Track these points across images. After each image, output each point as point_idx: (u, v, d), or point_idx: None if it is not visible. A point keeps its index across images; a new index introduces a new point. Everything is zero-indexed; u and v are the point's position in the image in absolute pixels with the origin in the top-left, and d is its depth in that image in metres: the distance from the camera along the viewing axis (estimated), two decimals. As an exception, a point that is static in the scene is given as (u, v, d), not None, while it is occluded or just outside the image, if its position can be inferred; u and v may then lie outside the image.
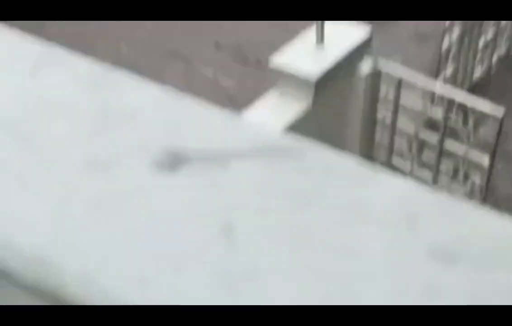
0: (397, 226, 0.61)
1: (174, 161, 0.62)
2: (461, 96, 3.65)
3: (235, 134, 0.67)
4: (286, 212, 0.60)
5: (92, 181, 0.62)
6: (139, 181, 0.61)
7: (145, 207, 0.59)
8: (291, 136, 0.69)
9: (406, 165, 3.74)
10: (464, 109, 3.63)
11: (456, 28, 4.33)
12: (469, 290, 0.56)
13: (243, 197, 0.60)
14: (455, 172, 3.68)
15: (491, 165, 3.56)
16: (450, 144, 3.63)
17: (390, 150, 3.76)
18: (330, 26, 3.37)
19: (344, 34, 3.49)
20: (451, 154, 3.67)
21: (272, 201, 0.60)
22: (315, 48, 3.35)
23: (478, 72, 4.80)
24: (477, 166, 3.61)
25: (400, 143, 3.75)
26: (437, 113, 3.62)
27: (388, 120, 3.70)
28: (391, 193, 0.64)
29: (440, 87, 3.75)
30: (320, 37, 3.35)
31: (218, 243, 0.56)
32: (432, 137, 3.67)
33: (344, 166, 0.66)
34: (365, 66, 3.54)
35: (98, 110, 0.69)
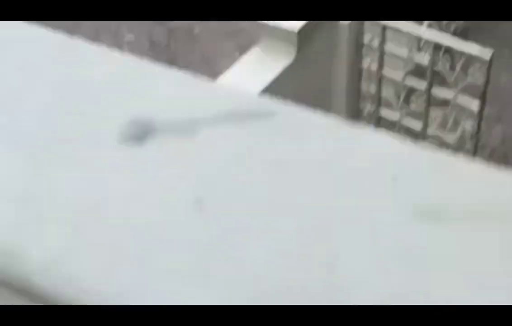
0: (379, 186, 0.58)
1: (140, 133, 0.59)
2: (447, 39, 3.60)
3: (206, 101, 0.63)
4: (261, 181, 0.57)
5: (56, 159, 0.59)
6: (104, 155, 0.58)
7: (111, 183, 0.56)
8: (265, 98, 0.65)
9: (394, 115, 3.71)
10: (451, 54, 3.60)
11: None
12: (456, 249, 0.54)
13: (215, 167, 0.57)
14: (445, 119, 3.65)
15: (481, 109, 3.53)
16: (439, 91, 3.59)
17: (378, 100, 3.72)
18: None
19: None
20: (440, 101, 3.64)
21: (245, 169, 0.58)
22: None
23: (462, 15, 4.75)
24: (467, 111, 3.58)
25: (387, 92, 3.71)
26: (424, 59, 3.58)
27: (374, 69, 3.65)
28: (373, 152, 0.62)
29: (425, 32, 3.69)
30: (301, -12, 3.29)
31: (189, 218, 0.53)
32: (420, 85, 3.63)
33: (323, 126, 0.63)
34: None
35: (59, 81, 0.66)
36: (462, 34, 4.25)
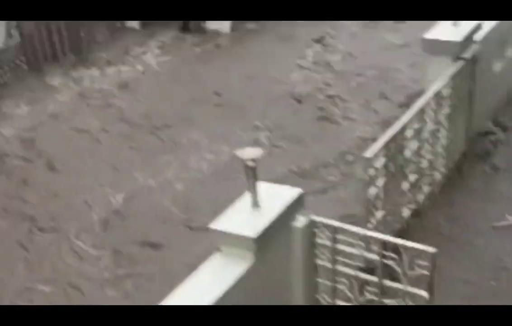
0: None
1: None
2: (392, 239, 3.92)
3: None
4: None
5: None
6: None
7: None
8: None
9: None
10: (397, 250, 3.87)
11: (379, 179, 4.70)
12: None
13: None
14: (398, 308, 3.88)
15: (431, 299, 3.78)
16: (390, 284, 3.86)
17: (333, 293, 3.99)
18: (263, 190, 3.72)
19: (278, 195, 3.83)
20: (392, 293, 3.89)
21: None
22: (252, 211, 3.70)
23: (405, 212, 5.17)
24: (418, 299, 3.83)
25: (342, 286, 3.98)
26: (373, 256, 3.88)
27: (329, 266, 3.95)
28: None
29: (372, 233, 4.03)
30: (255, 202, 3.71)
31: None
32: (371, 279, 3.91)
33: None
34: (301, 220, 3.84)
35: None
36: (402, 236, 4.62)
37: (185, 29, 9.73)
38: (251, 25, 9.64)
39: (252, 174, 3.67)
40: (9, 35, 8.79)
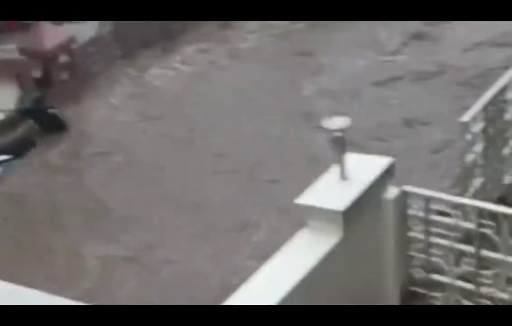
0: None
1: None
2: (490, 206, 3.76)
3: None
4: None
5: None
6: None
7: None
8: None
9: (445, 280, 3.83)
10: (496, 218, 3.72)
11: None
12: None
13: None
14: (496, 278, 3.73)
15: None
16: (487, 254, 3.72)
17: (428, 267, 3.87)
18: (352, 161, 3.63)
19: (367, 166, 3.74)
20: (489, 263, 3.75)
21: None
22: (339, 184, 3.61)
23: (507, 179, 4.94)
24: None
25: (437, 258, 3.86)
26: (470, 225, 3.74)
27: (422, 238, 3.83)
28: None
29: (468, 201, 3.89)
30: (343, 174, 3.62)
31: None
32: (468, 250, 3.77)
33: None
34: (392, 191, 3.74)
35: None
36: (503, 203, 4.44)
37: None
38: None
39: (340, 145, 3.58)
40: (101, 24, 9.03)
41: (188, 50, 9.23)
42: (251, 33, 9.39)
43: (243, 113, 7.60)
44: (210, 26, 9.39)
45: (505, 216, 3.64)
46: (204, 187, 6.49)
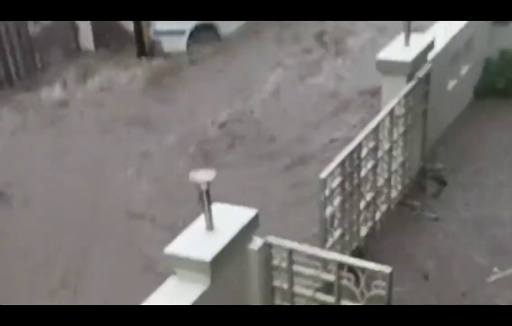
0: None
1: None
2: (349, 259, 3.89)
3: None
4: None
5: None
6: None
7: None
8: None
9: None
10: (354, 271, 3.85)
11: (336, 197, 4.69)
12: None
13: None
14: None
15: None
16: (347, 304, 3.83)
17: (291, 316, 3.94)
18: (218, 211, 3.68)
19: (233, 217, 3.79)
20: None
21: None
22: (206, 234, 3.65)
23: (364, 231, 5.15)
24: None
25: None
26: (330, 277, 3.86)
27: (285, 287, 3.91)
28: None
29: (328, 254, 4.01)
30: (210, 225, 3.66)
31: None
32: (328, 300, 3.88)
33: None
34: (257, 241, 3.81)
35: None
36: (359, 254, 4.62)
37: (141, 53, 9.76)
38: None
39: (205, 196, 3.62)
40: None
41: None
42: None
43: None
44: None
45: (363, 269, 3.78)
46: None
